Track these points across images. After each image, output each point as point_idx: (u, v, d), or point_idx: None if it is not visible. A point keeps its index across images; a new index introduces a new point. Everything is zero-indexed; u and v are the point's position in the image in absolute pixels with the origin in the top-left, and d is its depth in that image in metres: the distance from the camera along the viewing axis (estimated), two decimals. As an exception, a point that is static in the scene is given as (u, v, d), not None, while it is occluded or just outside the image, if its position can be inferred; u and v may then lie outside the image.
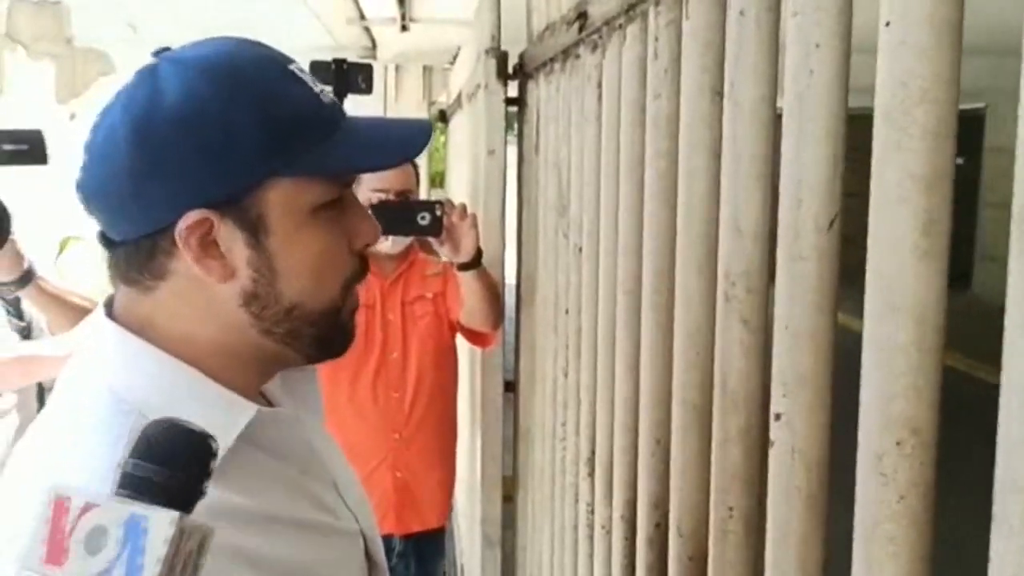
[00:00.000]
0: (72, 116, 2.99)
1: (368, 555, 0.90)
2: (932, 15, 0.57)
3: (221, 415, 0.74)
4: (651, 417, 1.15)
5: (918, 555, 0.61)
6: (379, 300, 2.36)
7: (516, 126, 2.37)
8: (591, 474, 1.48)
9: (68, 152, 1.79)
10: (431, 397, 2.42)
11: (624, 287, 1.27)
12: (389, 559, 1.10)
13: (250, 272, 0.75)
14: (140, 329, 0.76)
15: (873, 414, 0.62)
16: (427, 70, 5.32)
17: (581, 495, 1.54)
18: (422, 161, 4.37)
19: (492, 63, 2.28)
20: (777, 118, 0.82)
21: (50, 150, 1.79)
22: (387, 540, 2.35)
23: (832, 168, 0.71)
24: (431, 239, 2.19)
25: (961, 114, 0.59)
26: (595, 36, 1.42)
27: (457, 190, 4.07)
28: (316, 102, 0.77)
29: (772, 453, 0.77)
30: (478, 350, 2.56)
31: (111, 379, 0.75)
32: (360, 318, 0.87)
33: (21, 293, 1.87)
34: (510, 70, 2.29)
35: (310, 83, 0.77)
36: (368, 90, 2.13)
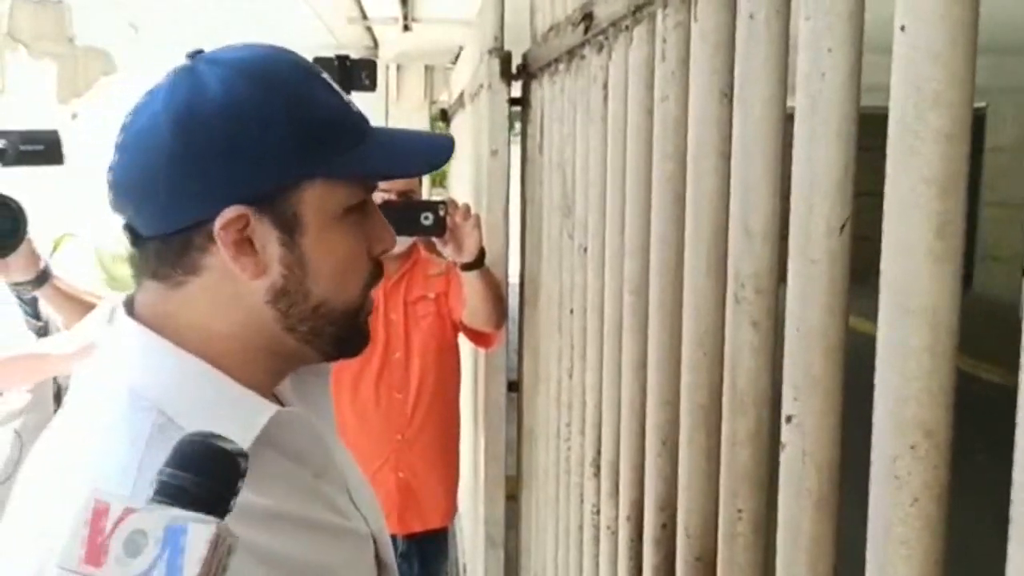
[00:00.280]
0: (73, 116, 2.98)
1: (378, 557, 0.90)
2: (945, 16, 0.57)
3: (240, 414, 0.75)
4: (658, 418, 1.15)
5: (931, 559, 0.61)
6: (382, 300, 2.36)
7: (519, 126, 2.37)
8: (596, 475, 1.48)
9: (69, 151, 1.79)
10: (433, 398, 2.42)
11: (631, 287, 1.27)
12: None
13: (281, 269, 0.77)
14: (163, 326, 0.77)
15: (887, 417, 0.62)
16: (429, 70, 5.32)
17: (586, 496, 1.55)
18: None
19: (496, 63, 2.28)
20: (787, 119, 0.82)
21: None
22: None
23: (844, 171, 0.71)
24: (434, 239, 2.19)
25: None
26: (601, 37, 1.42)
27: (459, 190, 4.07)
28: (347, 109, 0.79)
29: (783, 456, 0.77)
30: (482, 350, 2.56)
31: (130, 377, 0.75)
32: None
33: (37, 293, 1.88)
34: (513, 70, 2.29)
35: (340, 92, 0.79)
36: (372, 87, 2.12)
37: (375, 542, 0.89)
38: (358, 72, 2.09)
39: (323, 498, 0.83)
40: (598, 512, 1.47)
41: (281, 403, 0.86)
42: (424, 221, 2.12)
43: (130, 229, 0.78)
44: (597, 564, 1.47)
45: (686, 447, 1.04)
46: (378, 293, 2.34)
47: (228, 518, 0.57)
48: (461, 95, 3.76)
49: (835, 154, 0.71)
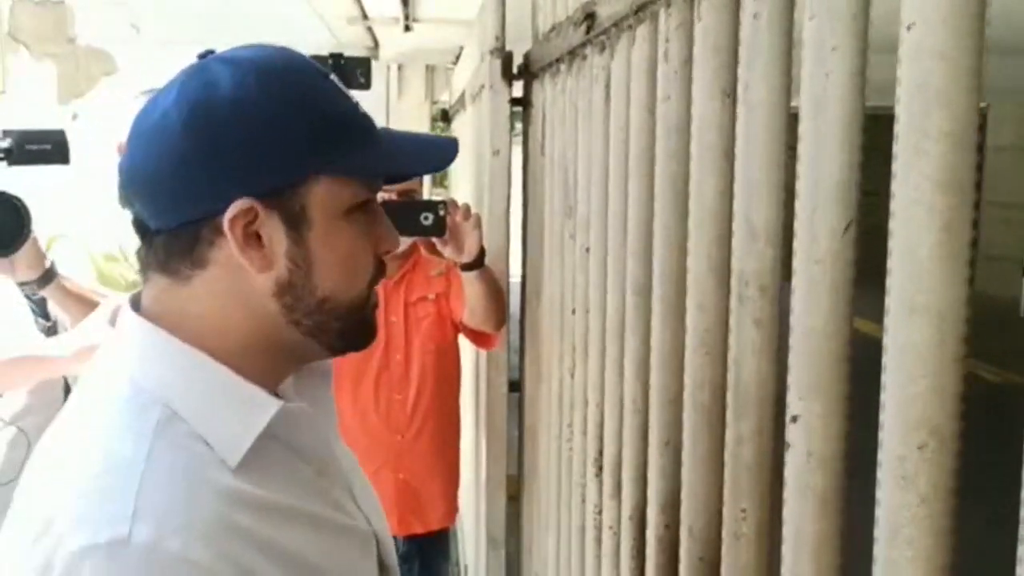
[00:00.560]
0: (74, 116, 2.98)
1: (380, 559, 0.90)
2: (953, 16, 0.57)
3: (245, 409, 0.76)
4: (661, 418, 1.15)
5: (939, 560, 0.61)
6: (382, 302, 2.35)
7: (520, 126, 2.37)
8: (599, 475, 1.47)
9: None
10: (433, 399, 2.41)
11: (633, 287, 1.27)
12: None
13: (287, 263, 0.78)
14: (170, 321, 0.78)
15: (894, 417, 0.62)
16: (430, 69, 5.32)
17: (588, 496, 1.54)
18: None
19: (497, 63, 2.28)
20: (790, 119, 0.82)
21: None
22: (391, 541, 2.35)
23: (849, 171, 0.71)
24: (434, 239, 2.18)
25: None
26: (603, 37, 1.42)
27: (460, 190, 4.07)
28: (355, 109, 0.80)
29: (788, 456, 0.77)
30: (482, 350, 2.56)
31: (134, 372, 0.76)
32: None
33: (44, 292, 1.87)
34: (515, 70, 2.28)
35: (347, 92, 0.81)
36: (367, 85, 2.10)
37: (378, 543, 0.89)
38: (353, 70, 2.07)
39: (326, 495, 0.83)
40: (600, 512, 1.47)
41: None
42: (424, 221, 2.12)
43: (138, 223, 0.79)
44: (599, 564, 1.47)
45: (689, 447, 1.04)
46: (378, 294, 2.34)
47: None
48: (462, 95, 3.75)
49: (840, 154, 0.71)
